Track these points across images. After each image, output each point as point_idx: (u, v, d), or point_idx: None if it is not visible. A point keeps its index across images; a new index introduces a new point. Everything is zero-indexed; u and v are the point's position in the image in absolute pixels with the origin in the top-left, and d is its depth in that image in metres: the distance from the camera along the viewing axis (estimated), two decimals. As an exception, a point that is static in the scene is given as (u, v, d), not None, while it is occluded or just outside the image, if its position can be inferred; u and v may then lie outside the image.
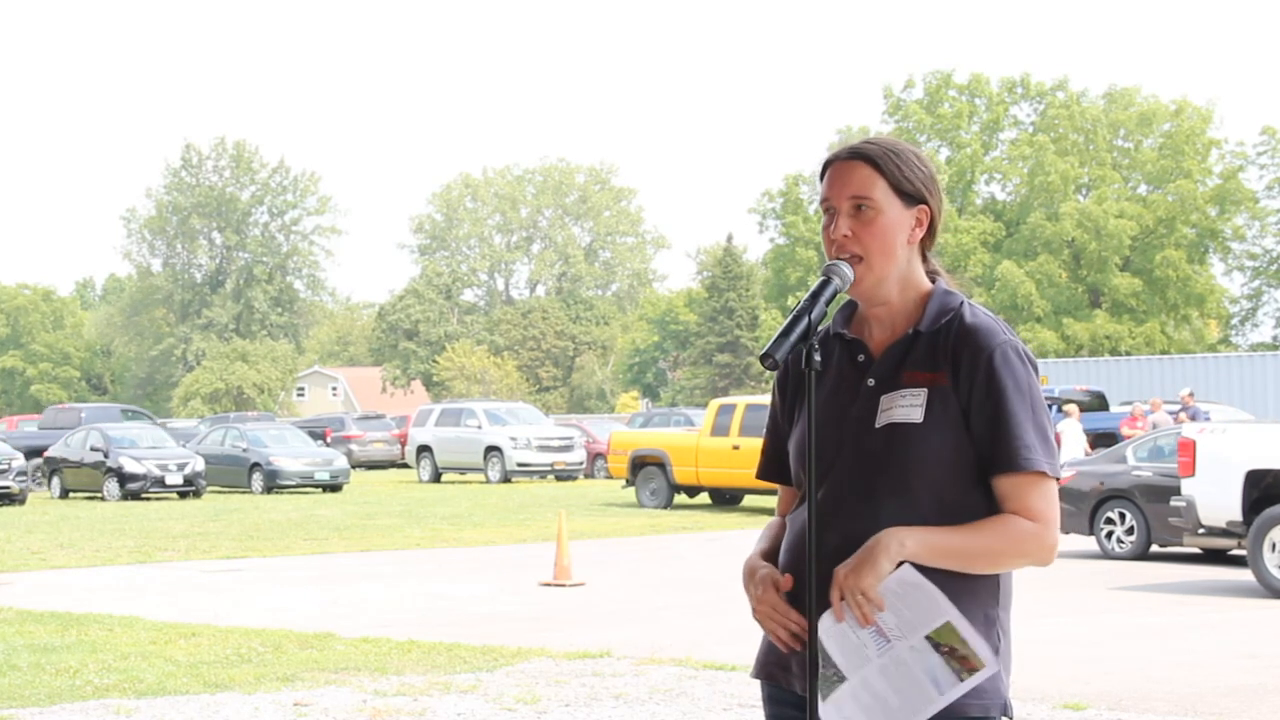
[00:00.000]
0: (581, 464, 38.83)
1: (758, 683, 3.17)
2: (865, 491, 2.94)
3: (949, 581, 2.89)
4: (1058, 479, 2.95)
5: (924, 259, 3.10)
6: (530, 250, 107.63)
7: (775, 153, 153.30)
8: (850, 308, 3.11)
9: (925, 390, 2.95)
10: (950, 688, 2.81)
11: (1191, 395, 30.29)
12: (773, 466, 3.23)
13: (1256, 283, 71.99)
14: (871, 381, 3.01)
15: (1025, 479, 2.90)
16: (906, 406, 2.94)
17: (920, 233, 3.05)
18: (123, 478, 33.09)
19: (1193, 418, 25.70)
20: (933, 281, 3.09)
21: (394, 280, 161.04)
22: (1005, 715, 2.95)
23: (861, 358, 3.05)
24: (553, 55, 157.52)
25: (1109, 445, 25.52)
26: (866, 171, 3.00)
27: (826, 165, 3.07)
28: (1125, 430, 28.31)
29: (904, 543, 2.84)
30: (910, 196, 3.02)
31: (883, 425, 2.96)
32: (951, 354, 2.96)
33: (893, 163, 3.01)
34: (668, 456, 27.96)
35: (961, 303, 3.03)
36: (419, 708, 9.13)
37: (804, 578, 2.91)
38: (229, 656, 11.07)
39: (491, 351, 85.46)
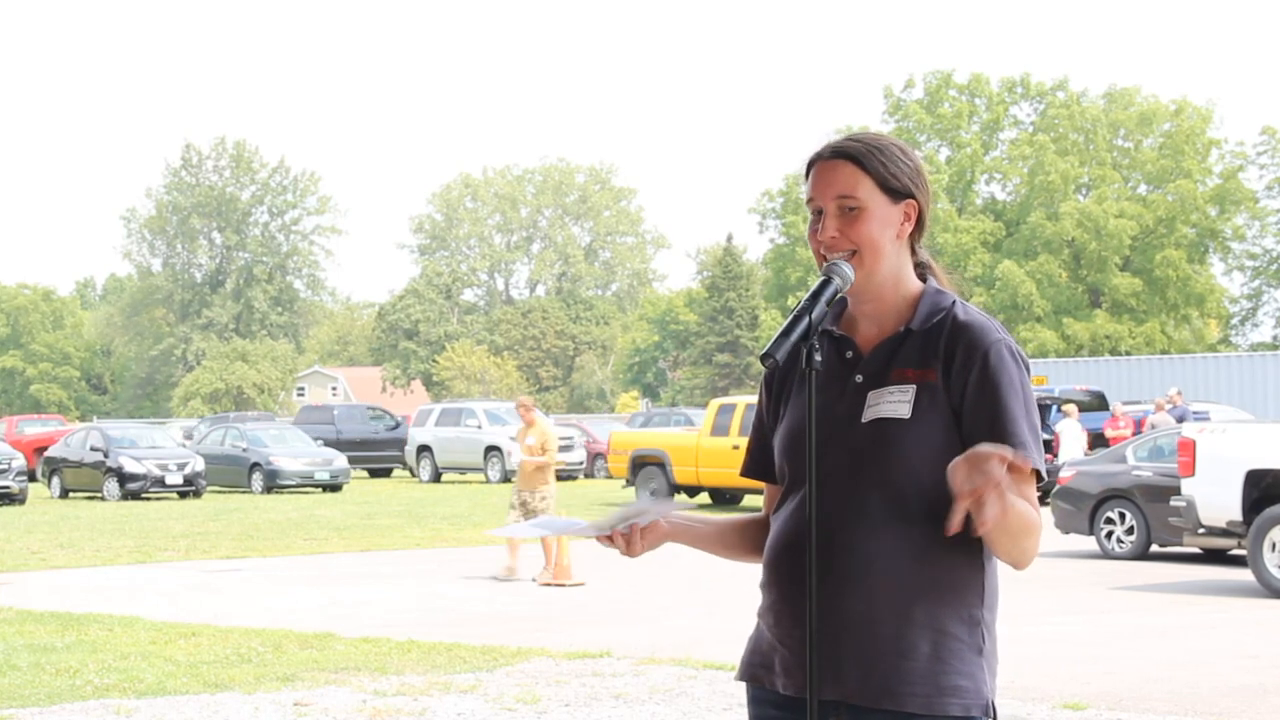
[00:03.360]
0: (581, 464, 38.83)
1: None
2: (852, 487, 2.92)
3: (939, 583, 2.89)
4: (1045, 478, 2.94)
5: (913, 252, 3.09)
6: (530, 250, 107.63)
7: (775, 153, 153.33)
8: (840, 304, 3.09)
9: (914, 387, 2.94)
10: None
11: (1180, 394, 30.26)
12: (757, 465, 3.21)
13: (1256, 283, 72.02)
14: (859, 378, 3.00)
15: (1020, 477, 2.88)
16: (894, 402, 2.93)
17: (909, 227, 3.03)
18: (123, 478, 33.08)
19: (1180, 419, 25.56)
20: (922, 275, 3.08)
21: (394, 280, 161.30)
22: (988, 716, 2.92)
23: (849, 354, 3.04)
24: (553, 55, 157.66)
25: (1108, 445, 25.50)
26: (851, 170, 2.98)
27: (810, 164, 3.05)
28: (1108, 432, 28.24)
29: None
30: (896, 192, 3.00)
31: (869, 420, 2.94)
32: (944, 351, 2.95)
33: (877, 159, 2.99)
34: (668, 456, 27.96)
35: (954, 302, 3.02)
36: (419, 708, 9.14)
37: (794, 572, 2.91)
38: (229, 656, 11.07)
39: (491, 351, 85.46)
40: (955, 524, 2.70)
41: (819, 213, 3.00)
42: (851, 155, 2.99)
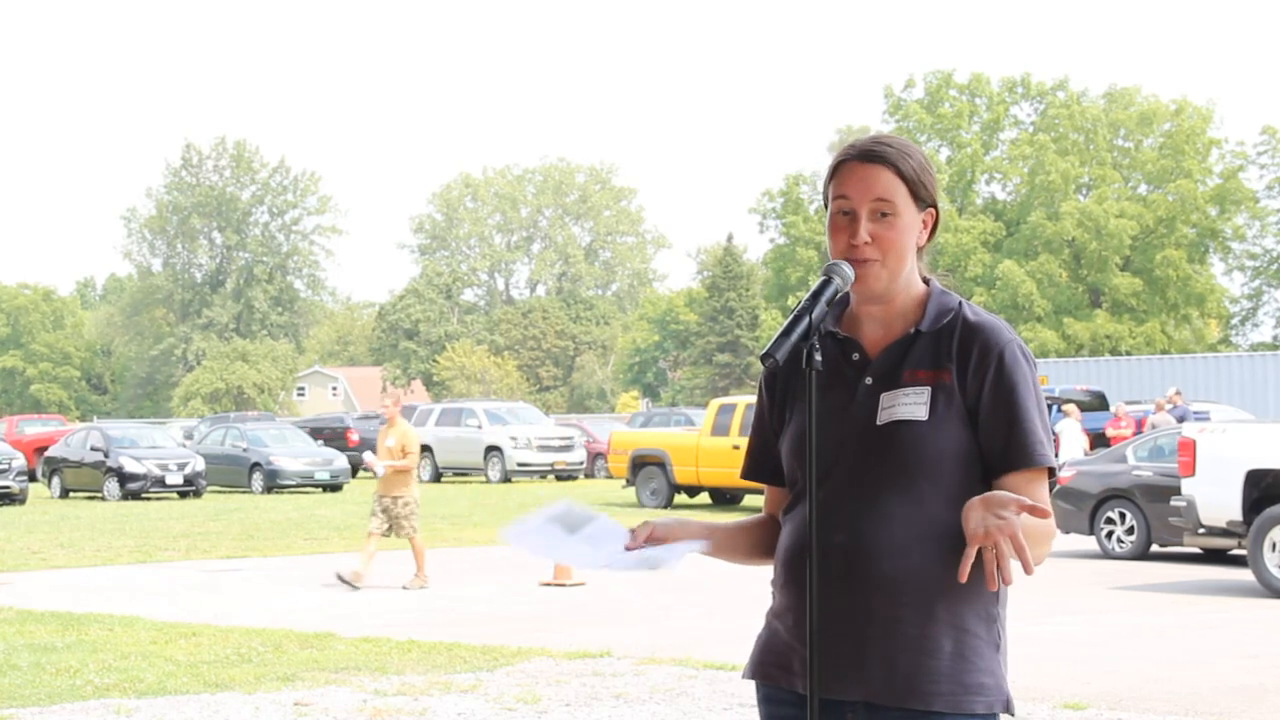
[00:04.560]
0: (582, 464, 38.84)
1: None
2: (870, 489, 2.95)
3: (958, 582, 2.89)
4: (1055, 474, 3.00)
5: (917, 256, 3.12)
6: (530, 250, 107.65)
7: (775, 153, 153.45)
8: (840, 305, 3.10)
9: (929, 388, 2.96)
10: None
11: (1180, 394, 30.24)
12: (759, 467, 3.22)
13: (1256, 283, 72.03)
14: (869, 380, 3.01)
15: (1036, 475, 2.96)
16: (911, 404, 2.96)
17: (925, 234, 3.07)
18: (123, 477, 33.08)
19: (1180, 419, 25.54)
20: (923, 278, 3.11)
21: (394, 280, 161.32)
22: (1007, 712, 2.97)
23: (856, 356, 3.05)
24: (553, 55, 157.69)
25: (1108, 445, 25.49)
26: (890, 176, 3.00)
27: (841, 163, 3.05)
28: (1110, 431, 28.22)
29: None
30: (923, 201, 3.04)
31: (885, 422, 2.97)
32: (957, 351, 2.98)
33: (911, 167, 3.02)
34: (668, 456, 27.96)
35: (960, 303, 3.05)
36: (419, 708, 9.14)
37: (807, 574, 2.91)
38: (229, 656, 11.07)
39: (491, 351, 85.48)
40: (964, 573, 2.76)
41: (847, 213, 3.01)
42: (889, 160, 3.01)
